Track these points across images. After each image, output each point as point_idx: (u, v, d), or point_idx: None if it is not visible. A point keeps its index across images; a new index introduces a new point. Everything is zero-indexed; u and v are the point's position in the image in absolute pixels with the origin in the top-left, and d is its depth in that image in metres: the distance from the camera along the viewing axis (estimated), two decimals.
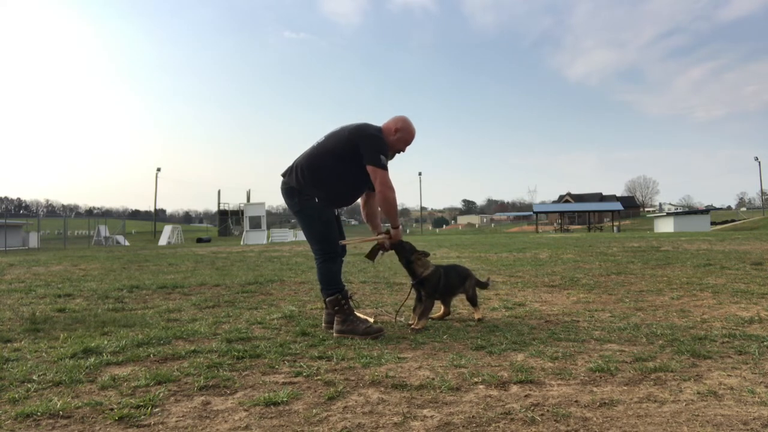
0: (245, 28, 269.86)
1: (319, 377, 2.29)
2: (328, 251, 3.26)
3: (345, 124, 3.32)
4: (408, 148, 3.43)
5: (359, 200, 3.53)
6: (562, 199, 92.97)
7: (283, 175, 3.37)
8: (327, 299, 3.23)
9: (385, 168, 3.15)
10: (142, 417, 1.85)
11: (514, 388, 2.11)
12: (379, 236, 3.42)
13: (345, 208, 3.54)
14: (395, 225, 3.35)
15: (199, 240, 39.92)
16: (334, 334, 3.12)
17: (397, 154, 3.43)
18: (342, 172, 3.22)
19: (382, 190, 3.14)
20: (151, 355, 2.66)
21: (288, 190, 3.33)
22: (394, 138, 3.31)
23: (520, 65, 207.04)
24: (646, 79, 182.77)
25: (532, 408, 1.88)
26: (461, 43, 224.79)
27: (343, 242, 3.39)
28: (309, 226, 3.28)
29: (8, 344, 2.98)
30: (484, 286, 3.94)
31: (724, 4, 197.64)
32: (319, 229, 3.26)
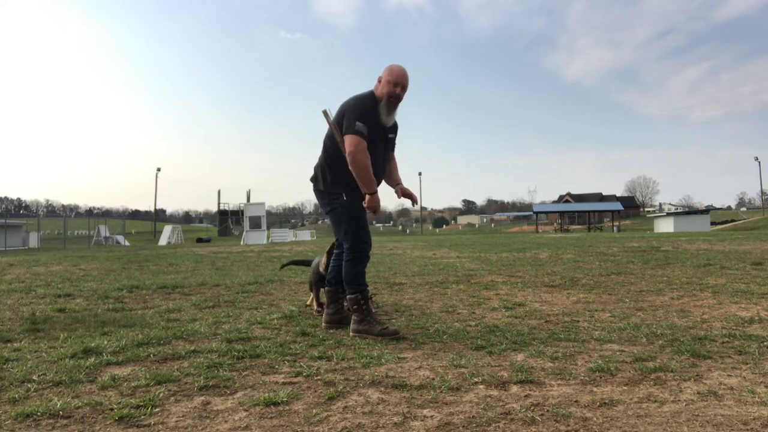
0: (242, 28, 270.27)
1: (319, 377, 2.29)
2: (358, 250, 3.22)
3: None
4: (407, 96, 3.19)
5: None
6: (562, 199, 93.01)
7: (311, 180, 3.40)
8: (347, 297, 3.22)
9: (357, 133, 3.01)
10: (142, 417, 1.85)
11: (514, 388, 2.11)
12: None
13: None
14: (369, 191, 3.12)
15: (199, 240, 39.94)
16: (351, 333, 3.11)
17: (396, 101, 3.15)
18: None
19: (349, 152, 3.02)
20: (151, 355, 2.66)
21: (317, 194, 3.36)
22: (380, 88, 3.14)
23: (517, 65, 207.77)
24: (642, 79, 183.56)
25: (532, 408, 1.88)
26: (457, 43, 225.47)
27: None
28: (339, 224, 3.26)
29: (8, 344, 2.97)
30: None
31: (720, 4, 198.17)
32: (347, 227, 3.21)
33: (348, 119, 3.06)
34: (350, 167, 3.07)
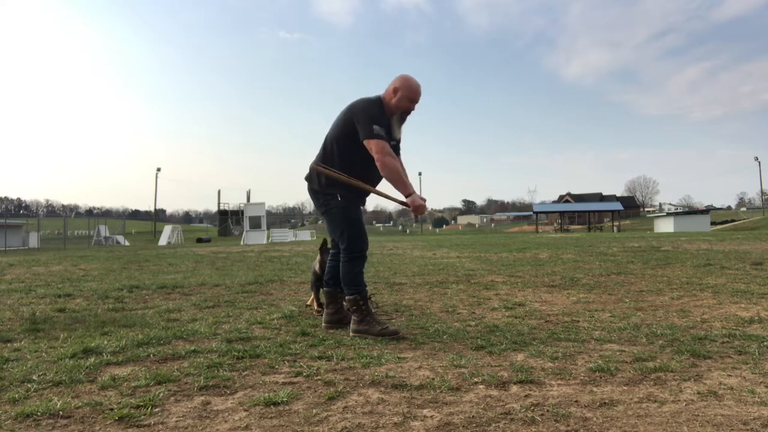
0: (241, 28, 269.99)
1: (319, 377, 2.29)
2: (356, 251, 3.20)
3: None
4: (417, 108, 3.22)
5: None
6: (562, 199, 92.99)
7: (306, 179, 3.37)
8: (346, 298, 3.21)
9: (378, 137, 3.00)
10: (142, 417, 1.85)
11: (514, 388, 2.11)
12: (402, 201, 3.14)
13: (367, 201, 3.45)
14: (406, 193, 3.06)
15: (199, 240, 39.93)
16: (350, 333, 3.11)
17: (408, 115, 3.23)
18: (353, 154, 3.11)
19: (379, 159, 3.00)
20: (151, 355, 2.66)
21: (311, 193, 3.34)
22: (395, 100, 3.13)
23: (516, 65, 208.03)
24: (642, 79, 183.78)
25: (532, 408, 1.88)
26: (457, 43, 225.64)
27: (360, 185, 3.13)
28: (334, 226, 3.25)
29: (8, 344, 2.97)
30: None
31: (719, 4, 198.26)
32: (343, 228, 3.20)
33: (363, 123, 3.03)
34: (381, 173, 3.05)
